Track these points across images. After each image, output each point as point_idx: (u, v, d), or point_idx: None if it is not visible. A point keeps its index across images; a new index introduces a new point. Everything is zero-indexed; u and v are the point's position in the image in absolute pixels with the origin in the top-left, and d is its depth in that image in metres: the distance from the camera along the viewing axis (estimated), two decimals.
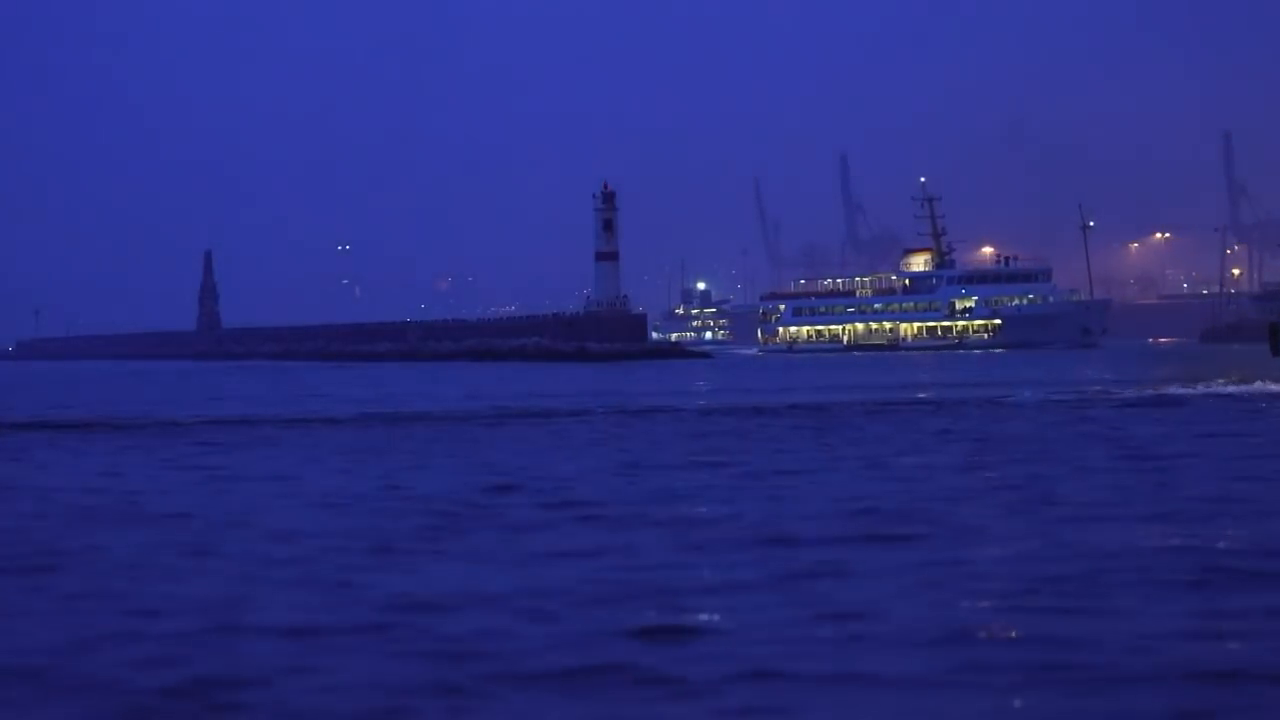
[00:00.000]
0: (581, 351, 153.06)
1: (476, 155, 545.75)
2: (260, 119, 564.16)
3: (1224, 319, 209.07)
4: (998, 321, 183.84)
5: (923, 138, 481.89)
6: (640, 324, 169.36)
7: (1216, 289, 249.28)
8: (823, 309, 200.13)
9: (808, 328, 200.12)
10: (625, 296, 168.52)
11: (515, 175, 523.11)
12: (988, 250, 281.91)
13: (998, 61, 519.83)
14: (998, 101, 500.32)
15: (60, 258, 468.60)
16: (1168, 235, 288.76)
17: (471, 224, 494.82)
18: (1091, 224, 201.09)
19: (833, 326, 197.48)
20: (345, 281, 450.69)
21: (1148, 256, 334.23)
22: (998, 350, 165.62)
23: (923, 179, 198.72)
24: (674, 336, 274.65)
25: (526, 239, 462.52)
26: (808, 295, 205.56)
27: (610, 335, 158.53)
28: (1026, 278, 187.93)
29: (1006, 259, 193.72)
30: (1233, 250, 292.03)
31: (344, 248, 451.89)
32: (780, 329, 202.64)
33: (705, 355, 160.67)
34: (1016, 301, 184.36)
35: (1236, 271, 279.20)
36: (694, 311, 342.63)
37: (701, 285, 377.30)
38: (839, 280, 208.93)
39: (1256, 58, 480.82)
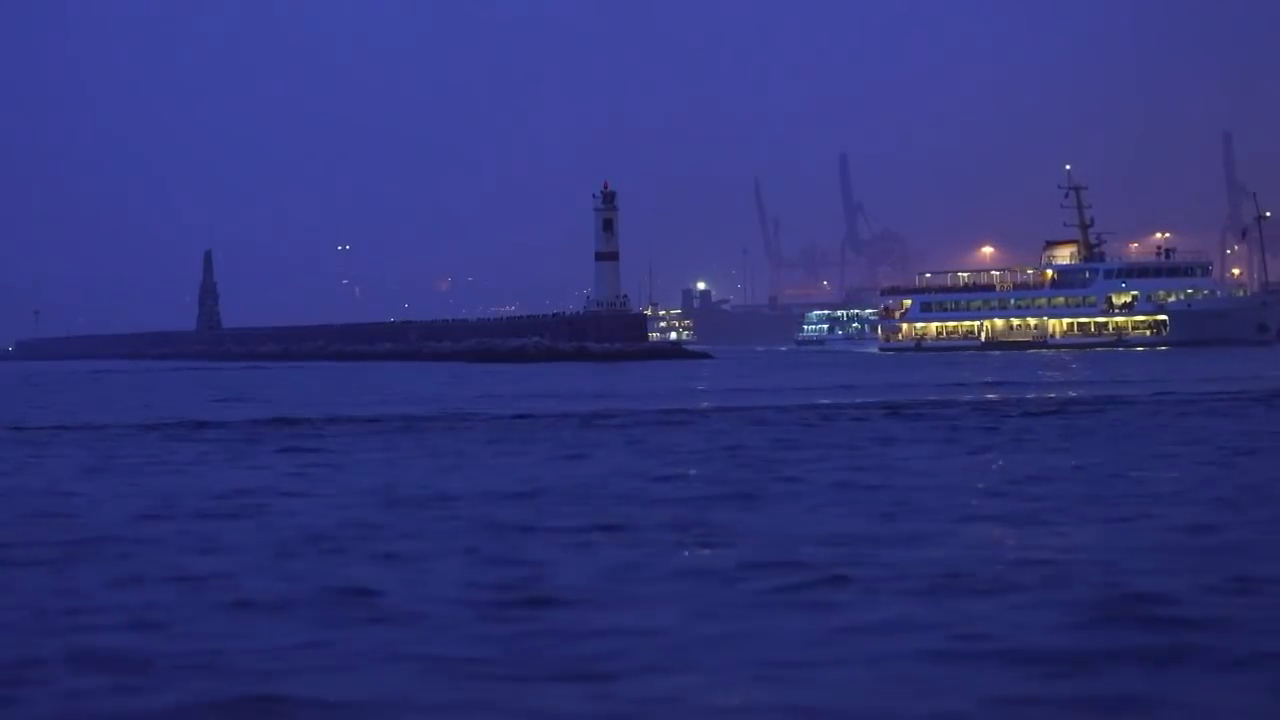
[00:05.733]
0: (582, 351, 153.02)
1: (476, 155, 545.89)
2: (260, 119, 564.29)
3: None
4: (1163, 318, 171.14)
5: (923, 137, 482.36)
6: (640, 324, 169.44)
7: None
8: (952, 304, 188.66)
9: (936, 324, 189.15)
10: (625, 296, 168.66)
11: (515, 175, 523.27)
12: (988, 250, 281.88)
13: (998, 62, 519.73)
14: (998, 100, 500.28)
15: (60, 258, 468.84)
16: (1167, 235, 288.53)
17: (471, 224, 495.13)
18: (1268, 214, 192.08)
19: (966, 322, 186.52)
20: (345, 281, 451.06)
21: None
22: (1162, 348, 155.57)
23: (1068, 166, 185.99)
24: None
25: (526, 239, 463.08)
26: (937, 290, 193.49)
27: (610, 335, 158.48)
28: (1188, 271, 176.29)
29: (1166, 251, 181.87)
30: (1233, 250, 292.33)
31: (344, 248, 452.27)
32: (904, 325, 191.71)
33: (706, 355, 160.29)
34: (1180, 296, 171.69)
35: (1236, 271, 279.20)
36: (661, 313, 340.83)
37: (701, 285, 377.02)
38: (963, 274, 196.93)
39: (1256, 58, 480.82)
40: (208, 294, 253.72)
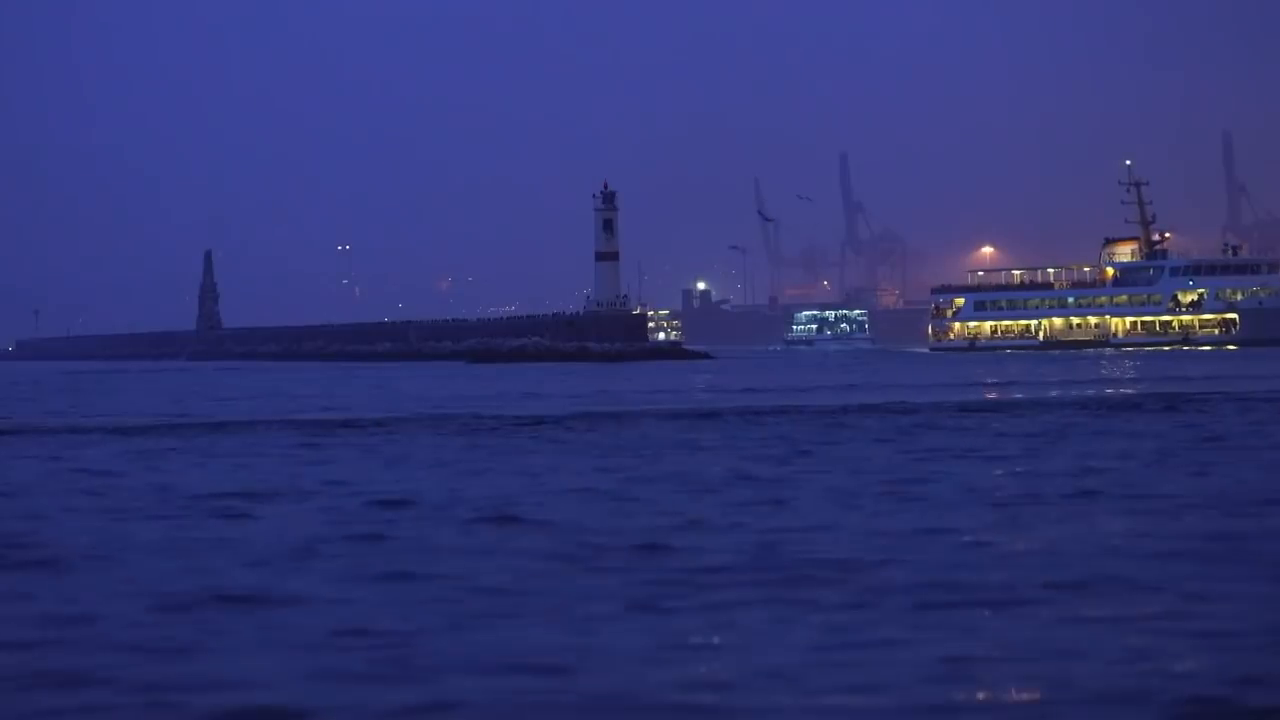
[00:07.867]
0: (582, 351, 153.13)
1: (476, 154, 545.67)
2: (261, 119, 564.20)
3: None
4: (1232, 316, 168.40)
5: (923, 137, 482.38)
6: (640, 324, 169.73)
7: None
8: (1005, 303, 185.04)
9: (991, 323, 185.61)
10: (625, 296, 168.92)
11: (515, 175, 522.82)
12: (988, 250, 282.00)
13: (998, 62, 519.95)
14: (996, 101, 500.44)
15: (60, 258, 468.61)
16: (1168, 235, 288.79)
17: (471, 224, 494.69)
18: None
19: (1022, 321, 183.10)
20: (345, 281, 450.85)
21: None
22: (1231, 347, 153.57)
23: (1128, 161, 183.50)
24: None
25: (526, 239, 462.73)
26: (991, 288, 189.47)
27: (610, 335, 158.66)
28: (1255, 269, 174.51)
29: (1233, 248, 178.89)
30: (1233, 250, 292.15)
31: (344, 248, 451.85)
32: (956, 324, 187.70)
33: (706, 355, 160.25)
34: (1247, 294, 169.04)
35: None
36: (650, 313, 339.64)
37: (701, 285, 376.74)
38: (1017, 271, 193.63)
39: (1257, 58, 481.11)
40: (208, 294, 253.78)
